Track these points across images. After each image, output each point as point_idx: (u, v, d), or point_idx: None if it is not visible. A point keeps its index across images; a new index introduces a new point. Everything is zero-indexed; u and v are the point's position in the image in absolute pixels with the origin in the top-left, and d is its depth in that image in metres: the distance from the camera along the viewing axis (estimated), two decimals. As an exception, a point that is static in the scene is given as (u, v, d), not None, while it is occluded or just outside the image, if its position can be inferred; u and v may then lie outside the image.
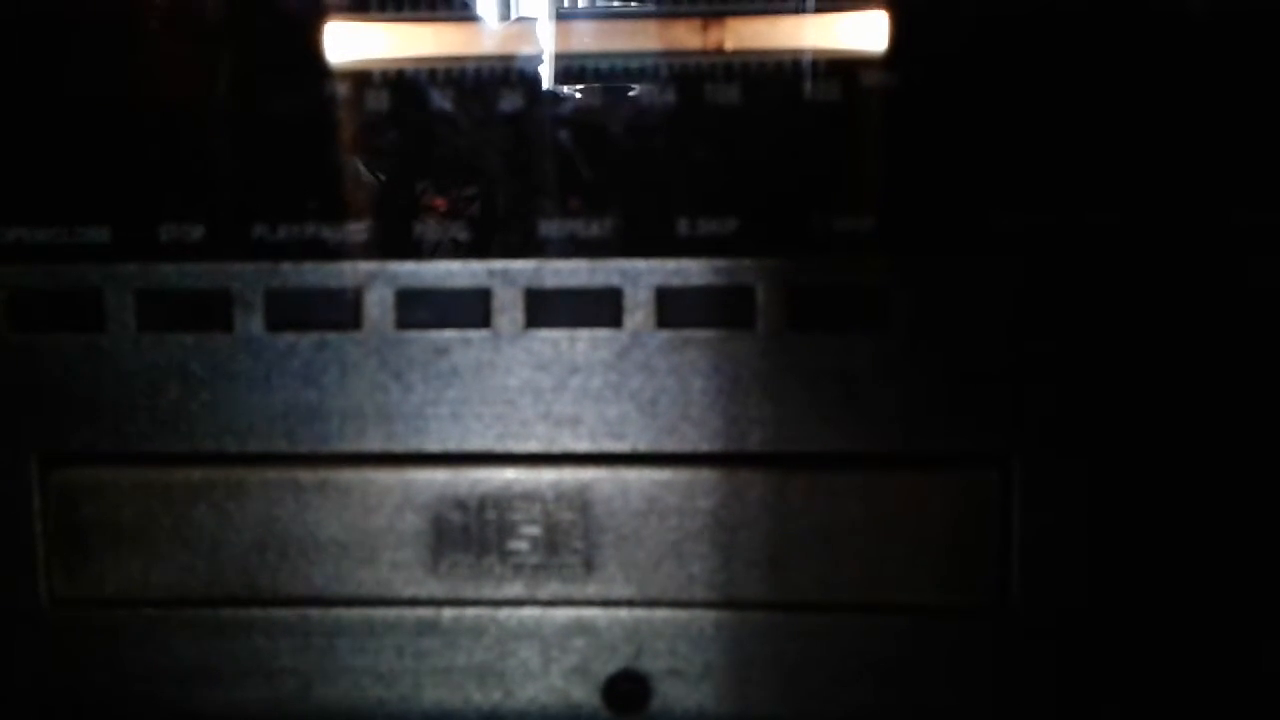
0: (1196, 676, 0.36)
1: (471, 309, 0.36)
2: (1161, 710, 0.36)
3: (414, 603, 0.37)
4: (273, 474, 0.37)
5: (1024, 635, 0.36)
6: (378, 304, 0.36)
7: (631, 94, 0.35)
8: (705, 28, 0.34)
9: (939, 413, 0.35)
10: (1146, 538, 0.35)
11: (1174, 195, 0.34)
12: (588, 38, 0.35)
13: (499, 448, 0.36)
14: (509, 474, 0.37)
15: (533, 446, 0.36)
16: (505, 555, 0.37)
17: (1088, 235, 0.34)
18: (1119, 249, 0.34)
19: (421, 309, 0.36)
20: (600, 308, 0.36)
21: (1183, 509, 0.35)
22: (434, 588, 0.37)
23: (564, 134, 0.35)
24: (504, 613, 0.37)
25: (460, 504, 0.37)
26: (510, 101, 0.35)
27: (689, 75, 0.35)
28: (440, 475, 0.37)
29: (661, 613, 0.37)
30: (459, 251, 0.36)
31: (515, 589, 0.37)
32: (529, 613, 0.37)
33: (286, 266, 0.36)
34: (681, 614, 0.37)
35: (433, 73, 0.35)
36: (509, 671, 0.37)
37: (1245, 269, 0.34)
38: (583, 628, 0.37)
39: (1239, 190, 0.34)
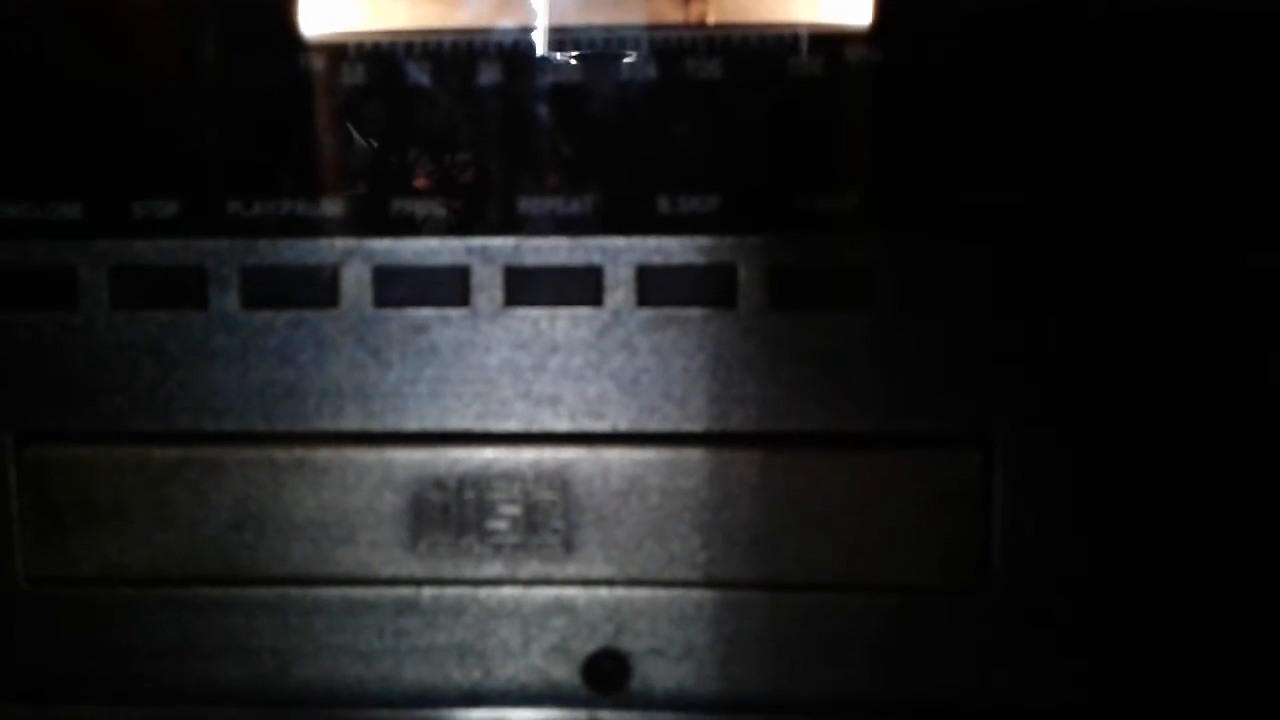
0: (1177, 654, 0.36)
1: (450, 287, 0.35)
2: (1141, 687, 0.36)
3: (393, 582, 0.37)
4: (250, 453, 0.36)
5: (1005, 614, 0.36)
6: (355, 281, 0.35)
7: (612, 69, 0.35)
8: (687, 1, 0.34)
9: (922, 393, 0.35)
10: (1127, 518, 0.35)
11: (1158, 180, 0.34)
12: (568, 10, 0.34)
13: (478, 427, 0.36)
14: (488, 453, 0.36)
15: (512, 426, 0.36)
16: (485, 535, 0.37)
17: (1073, 216, 0.34)
18: (1104, 231, 0.34)
19: (400, 287, 0.35)
20: (580, 286, 0.35)
21: (1164, 489, 0.35)
22: (413, 567, 0.37)
23: (544, 110, 0.35)
24: (484, 592, 0.37)
25: (439, 483, 0.36)
26: (488, 76, 0.35)
27: (670, 49, 0.34)
28: (419, 455, 0.36)
29: (641, 592, 0.37)
30: (438, 228, 0.35)
31: (495, 568, 0.37)
32: (509, 592, 0.37)
33: (262, 243, 0.35)
34: (661, 593, 0.37)
35: (410, 46, 0.35)
36: (489, 650, 0.37)
37: (1228, 252, 0.34)
38: (562, 607, 0.37)
39: (1221, 175, 0.34)
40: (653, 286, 0.35)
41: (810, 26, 0.34)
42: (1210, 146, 0.34)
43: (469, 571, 0.37)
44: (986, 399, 0.35)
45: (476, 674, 0.37)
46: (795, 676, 0.37)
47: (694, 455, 0.36)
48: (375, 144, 0.35)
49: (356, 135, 0.35)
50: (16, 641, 0.38)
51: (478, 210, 0.35)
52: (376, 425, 0.36)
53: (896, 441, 0.35)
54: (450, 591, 0.37)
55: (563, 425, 0.36)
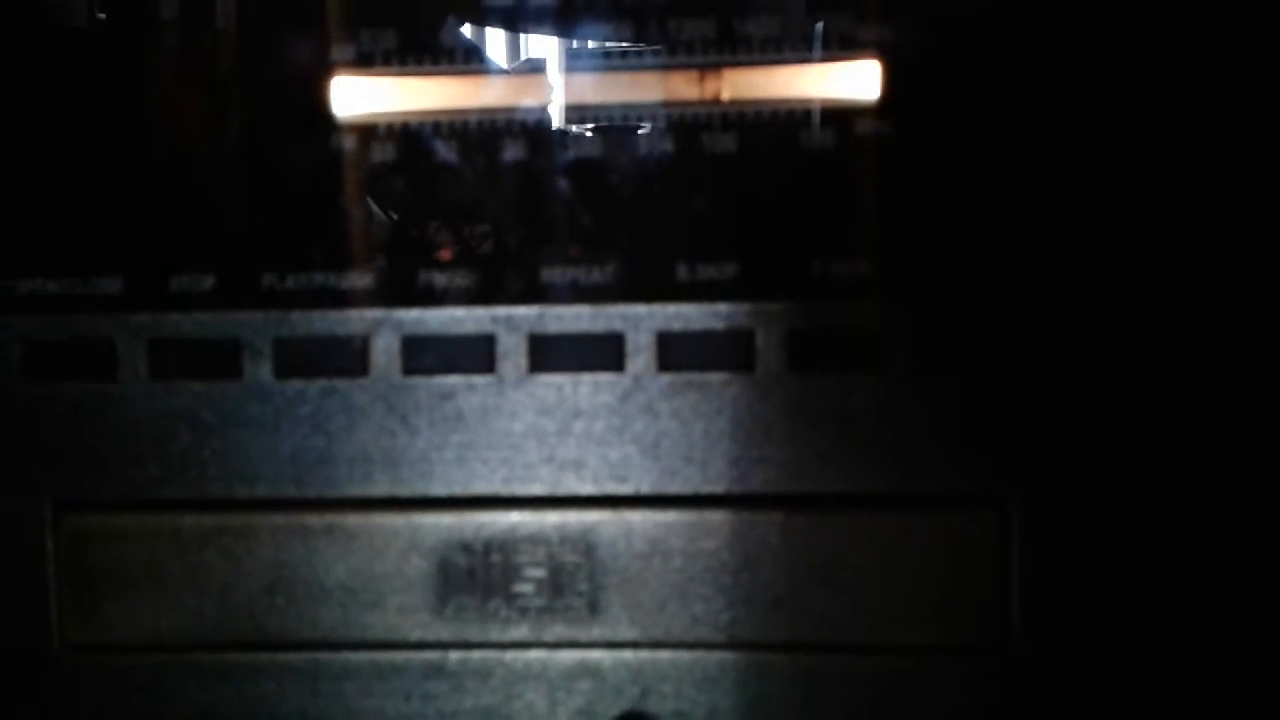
0: (1197, 712, 0.36)
1: (476, 354, 0.36)
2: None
3: (420, 646, 0.37)
4: (281, 519, 0.37)
5: (1026, 673, 0.36)
6: (384, 351, 0.36)
7: (632, 143, 0.36)
8: (702, 79, 0.35)
9: (938, 454, 0.35)
10: (1144, 576, 0.35)
11: (1172, 242, 0.35)
12: (587, 90, 0.36)
13: (504, 491, 0.37)
14: (514, 517, 0.37)
15: (537, 490, 0.37)
16: (511, 598, 0.37)
17: (1085, 279, 0.35)
18: (1116, 293, 0.35)
19: (427, 355, 0.36)
20: (603, 352, 0.36)
21: (1180, 547, 0.35)
22: (440, 631, 0.37)
23: (565, 183, 0.36)
24: (510, 655, 0.37)
25: (466, 547, 0.37)
26: (512, 152, 0.36)
27: (687, 125, 0.35)
28: (446, 519, 0.37)
29: (666, 655, 0.37)
30: (463, 298, 0.36)
31: (521, 632, 0.37)
32: (535, 655, 0.37)
33: (295, 315, 0.36)
34: (686, 656, 0.37)
35: (436, 125, 0.36)
36: (515, 714, 0.38)
37: (1238, 310, 0.34)
38: (588, 670, 0.37)
39: (1228, 233, 0.35)
40: (673, 352, 0.36)
41: (821, 101, 0.35)
42: (1225, 209, 0.34)
43: (495, 635, 0.37)
44: (1002, 459, 0.35)
45: (503, 738, 0.38)
46: (819, 737, 0.37)
47: (715, 517, 0.36)
48: (403, 218, 0.37)
49: (385, 210, 0.37)
50: (50, 708, 0.38)
51: (502, 280, 0.36)
52: (405, 490, 0.37)
53: (914, 502, 0.36)
54: (477, 655, 0.38)
55: (587, 489, 0.37)
